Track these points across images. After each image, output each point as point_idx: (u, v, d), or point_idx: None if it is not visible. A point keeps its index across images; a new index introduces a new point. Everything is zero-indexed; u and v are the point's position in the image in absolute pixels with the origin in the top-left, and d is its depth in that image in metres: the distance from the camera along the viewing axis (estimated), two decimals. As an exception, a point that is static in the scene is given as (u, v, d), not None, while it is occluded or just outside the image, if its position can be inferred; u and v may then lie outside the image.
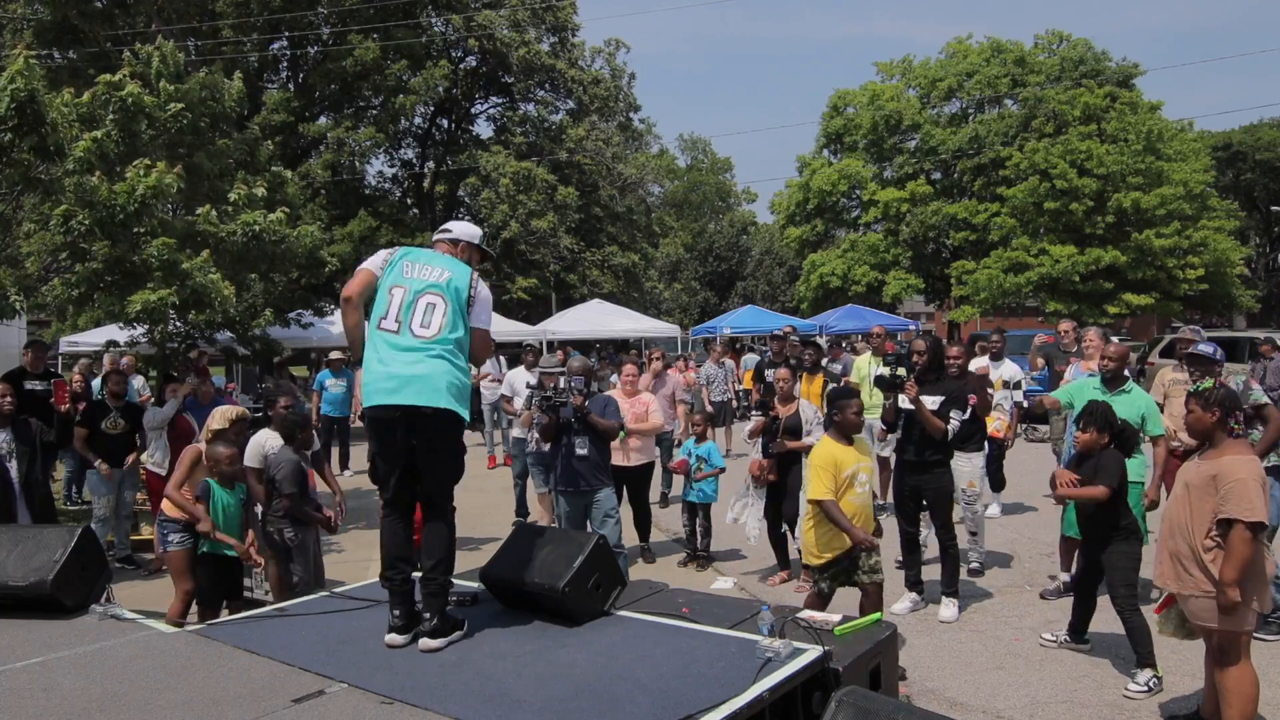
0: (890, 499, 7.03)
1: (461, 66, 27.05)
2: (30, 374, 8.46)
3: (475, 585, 4.08)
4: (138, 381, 11.07)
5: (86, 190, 8.24)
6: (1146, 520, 5.64)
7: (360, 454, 12.02)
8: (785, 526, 6.69)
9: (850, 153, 35.81)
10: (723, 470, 7.38)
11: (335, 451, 12.07)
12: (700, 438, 7.47)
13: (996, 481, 8.48)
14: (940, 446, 5.81)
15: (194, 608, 5.26)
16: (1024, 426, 9.73)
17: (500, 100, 29.19)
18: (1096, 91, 30.88)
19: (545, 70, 26.49)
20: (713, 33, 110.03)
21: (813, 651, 3.14)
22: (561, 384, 6.32)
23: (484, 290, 3.67)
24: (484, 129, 30.32)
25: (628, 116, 31.18)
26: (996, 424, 7.71)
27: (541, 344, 18.30)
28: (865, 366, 8.75)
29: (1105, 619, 4.99)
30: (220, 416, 5.44)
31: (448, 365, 3.47)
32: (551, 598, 3.63)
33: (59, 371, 11.63)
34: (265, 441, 5.59)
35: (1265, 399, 5.61)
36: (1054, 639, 5.23)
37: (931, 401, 5.69)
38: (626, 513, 6.94)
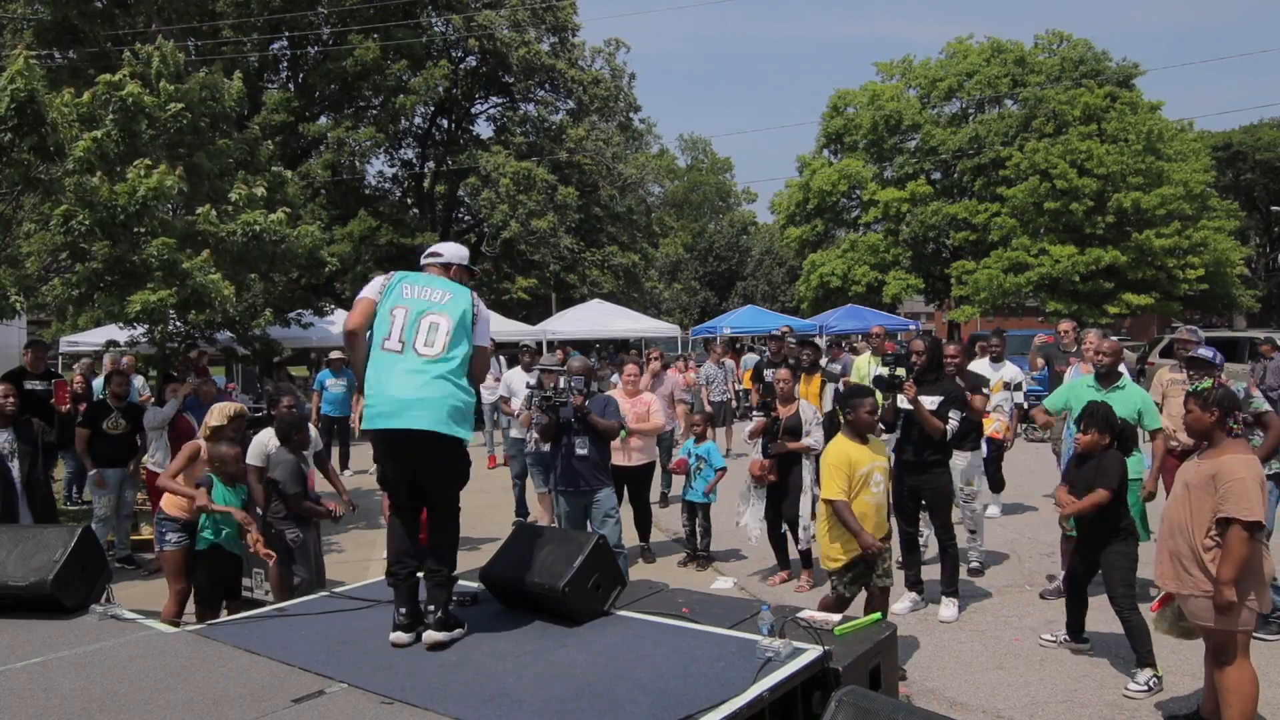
0: (889, 499, 7.02)
1: (461, 66, 27.05)
2: (30, 374, 8.47)
3: (475, 585, 4.09)
4: (138, 381, 11.07)
5: (87, 190, 8.24)
6: (1147, 518, 5.65)
7: (360, 453, 12.03)
8: (785, 527, 6.69)
9: (850, 153, 35.80)
10: (724, 470, 7.38)
11: (335, 451, 12.06)
12: (700, 438, 7.47)
13: (996, 482, 8.49)
14: (939, 446, 5.81)
15: (192, 608, 5.26)
16: (1024, 426, 9.73)
17: (500, 100, 29.18)
18: (1096, 91, 30.88)
19: (545, 70, 26.48)
20: (713, 33, 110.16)
21: (813, 651, 3.15)
22: (561, 384, 6.33)
23: (484, 309, 3.71)
24: (484, 129, 30.34)
25: (628, 116, 31.16)
26: (996, 425, 7.70)
27: (541, 344, 18.30)
28: (865, 366, 8.74)
29: (1105, 619, 4.99)
30: (218, 413, 5.42)
31: (450, 387, 3.46)
32: (551, 598, 3.63)
33: (59, 372, 11.64)
34: (268, 441, 5.60)
35: (1266, 406, 5.61)
36: (1054, 639, 5.23)
37: (930, 401, 5.69)
38: (627, 513, 6.94)
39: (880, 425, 5.97)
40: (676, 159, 55.96)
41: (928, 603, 5.94)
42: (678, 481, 8.51)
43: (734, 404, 14.36)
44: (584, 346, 20.83)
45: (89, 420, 7.76)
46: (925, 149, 33.41)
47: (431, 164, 28.47)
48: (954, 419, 5.79)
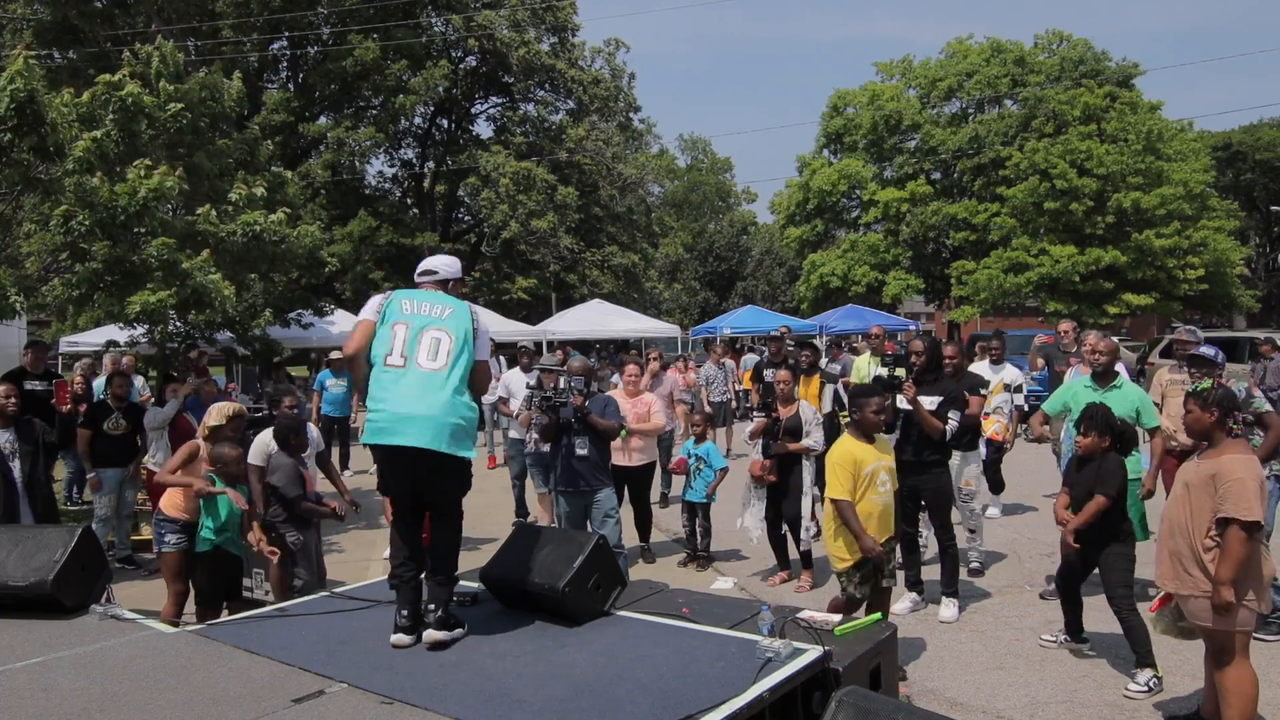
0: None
1: (461, 66, 27.07)
2: (30, 374, 8.46)
3: (475, 585, 4.08)
4: (138, 381, 11.07)
5: (87, 190, 8.24)
6: (1146, 519, 5.66)
7: (360, 454, 12.02)
8: (785, 527, 6.69)
9: (850, 153, 35.78)
10: (725, 470, 7.38)
11: (335, 451, 12.06)
12: (700, 438, 7.47)
13: (995, 483, 8.49)
14: (938, 447, 5.81)
15: (193, 608, 5.25)
16: (1023, 427, 9.72)
17: (500, 100, 29.20)
18: (1096, 91, 30.87)
19: (545, 70, 26.50)
20: (713, 33, 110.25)
21: (813, 652, 3.14)
22: (561, 384, 6.32)
23: (484, 323, 3.71)
24: (484, 129, 30.38)
25: (628, 116, 31.19)
26: (996, 426, 7.70)
27: (541, 344, 18.30)
28: (865, 367, 8.74)
29: (1105, 619, 4.99)
30: (217, 413, 5.41)
31: (454, 404, 3.45)
32: (551, 598, 3.63)
33: (59, 372, 11.64)
34: (270, 441, 5.59)
35: (1267, 406, 5.61)
36: (1054, 639, 5.23)
37: (929, 402, 5.69)
38: (627, 513, 6.94)
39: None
40: (676, 159, 56.03)
41: (928, 603, 5.93)
42: (678, 482, 8.51)
43: (734, 404, 14.35)
44: (584, 347, 20.82)
45: (90, 421, 7.75)
46: (925, 149, 33.40)
47: (431, 164, 28.49)
48: (953, 419, 5.79)
